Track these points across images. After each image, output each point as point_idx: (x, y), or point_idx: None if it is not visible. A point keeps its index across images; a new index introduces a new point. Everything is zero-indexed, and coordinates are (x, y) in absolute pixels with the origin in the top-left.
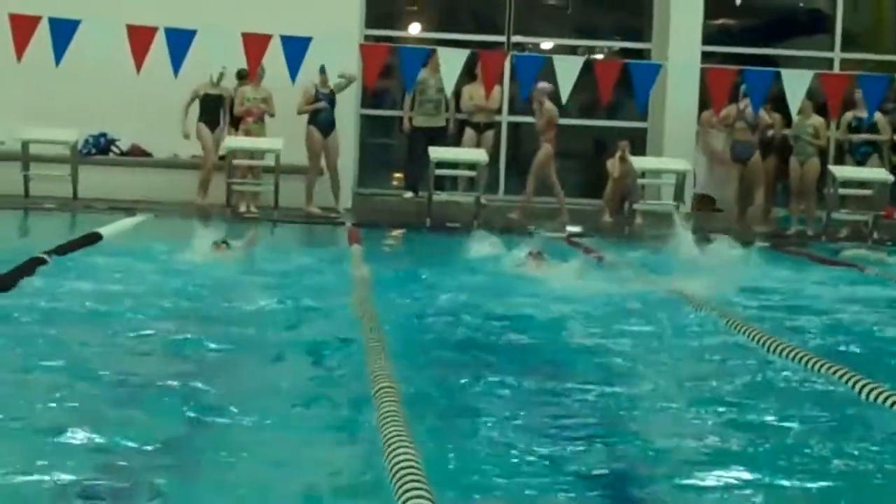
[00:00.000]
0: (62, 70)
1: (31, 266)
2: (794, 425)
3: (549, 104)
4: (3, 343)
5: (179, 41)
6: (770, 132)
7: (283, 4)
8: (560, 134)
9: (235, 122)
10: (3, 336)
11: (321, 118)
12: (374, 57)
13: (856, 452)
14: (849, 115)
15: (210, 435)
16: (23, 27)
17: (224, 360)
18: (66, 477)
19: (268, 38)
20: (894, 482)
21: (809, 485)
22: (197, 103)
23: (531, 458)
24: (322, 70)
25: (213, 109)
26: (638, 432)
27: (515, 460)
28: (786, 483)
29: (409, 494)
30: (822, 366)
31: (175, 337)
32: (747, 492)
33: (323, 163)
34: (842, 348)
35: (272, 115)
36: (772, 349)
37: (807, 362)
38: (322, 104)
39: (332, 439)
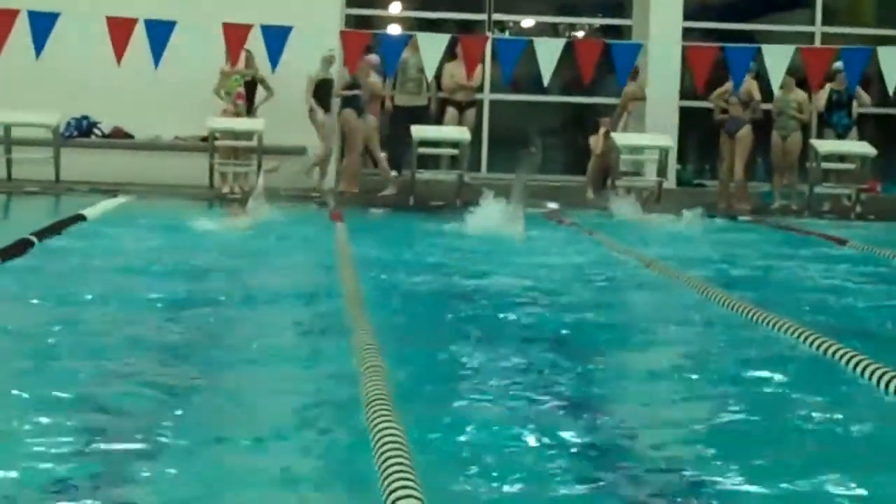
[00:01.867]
0: (44, 55)
1: (17, 248)
2: (776, 391)
3: (373, 77)
4: None
5: (159, 33)
6: (755, 108)
7: None
8: (544, 111)
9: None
10: None
11: (357, 102)
12: (354, 43)
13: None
14: (828, 88)
15: (193, 406)
16: (2, 21)
17: (204, 339)
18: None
19: (248, 27)
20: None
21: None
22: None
23: (516, 432)
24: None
25: (326, 94)
26: (621, 405)
27: (499, 432)
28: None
29: (394, 477)
30: (800, 333)
31: (158, 317)
32: (735, 465)
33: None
34: (831, 321)
35: (266, 87)
36: (755, 319)
37: (791, 331)
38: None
39: (316, 413)
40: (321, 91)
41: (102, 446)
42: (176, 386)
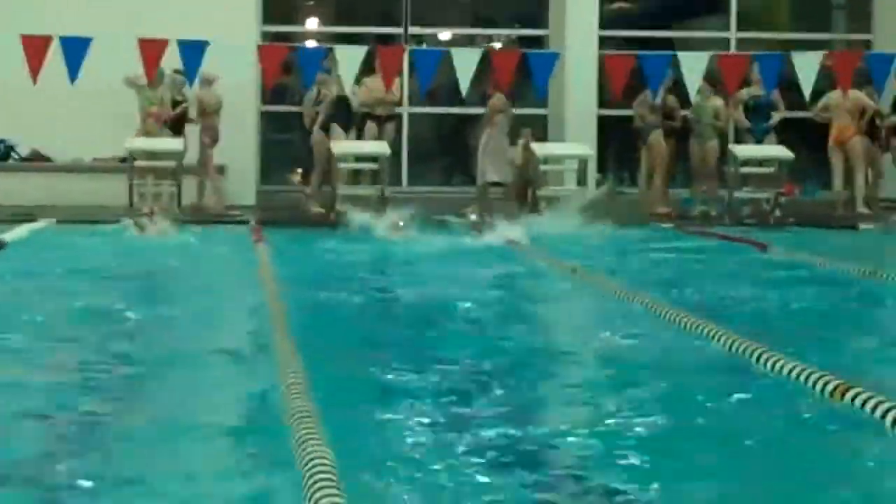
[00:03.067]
0: None
1: None
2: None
3: (205, 91)
4: None
5: (75, 49)
6: (675, 116)
7: (178, 8)
8: (463, 123)
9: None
10: None
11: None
12: (271, 58)
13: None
14: (744, 92)
15: (114, 438)
16: None
17: (127, 360)
18: None
19: (164, 42)
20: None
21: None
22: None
23: (441, 446)
24: (328, 72)
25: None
26: (548, 414)
27: (425, 448)
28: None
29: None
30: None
31: (79, 342)
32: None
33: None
34: (749, 323)
35: (167, 119)
36: (674, 321)
37: (715, 336)
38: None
39: (241, 437)
40: (340, 109)
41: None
42: (96, 412)
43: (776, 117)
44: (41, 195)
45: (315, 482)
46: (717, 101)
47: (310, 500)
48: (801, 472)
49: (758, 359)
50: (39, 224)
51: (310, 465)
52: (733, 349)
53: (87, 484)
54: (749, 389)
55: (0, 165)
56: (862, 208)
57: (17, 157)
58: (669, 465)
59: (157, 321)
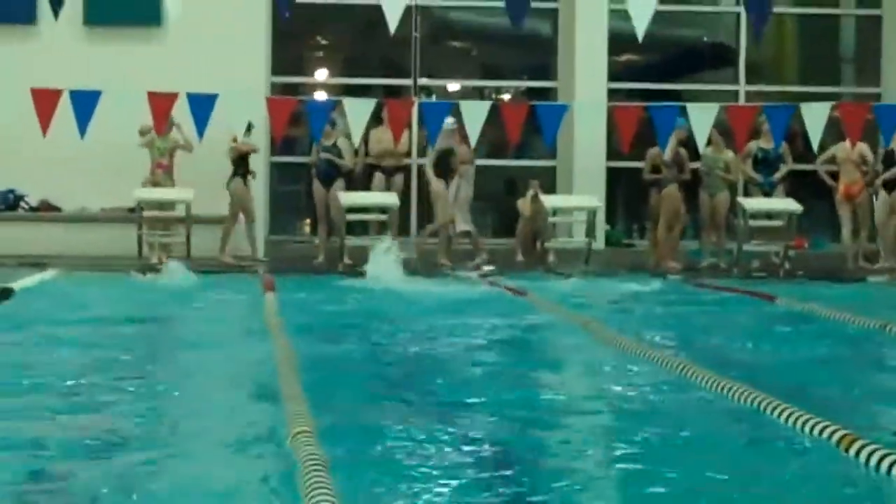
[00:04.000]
0: None
1: None
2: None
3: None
4: None
5: (85, 102)
6: (685, 169)
7: (188, 61)
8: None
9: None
10: None
11: (321, 170)
12: (280, 110)
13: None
14: (752, 145)
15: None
16: None
17: (134, 408)
18: None
19: (174, 96)
20: None
21: None
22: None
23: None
24: (332, 124)
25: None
26: (554, 462)
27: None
28: None
29: None
30: (729, 389)
31: (93, 390)
32: None
33: None
34: (759, 375)
35: (191, 150)
36: (685, 374)
37: (722, 388)
38: (322, 156)
39: (252, 488)
40: (442, 162)
41: None
42: (104, 466)
43: (784, 170)
44: (50, 244)
45: None
46: (728, 154)
47: None
48: None
49: (769, 410)
50: (48, 273)
51: None
52: (741, 400)
53: None
54: (760, 441)
55: (9, 215)
56: (864, 263)
57: (26, 206)
58: None
59: (165, 371)
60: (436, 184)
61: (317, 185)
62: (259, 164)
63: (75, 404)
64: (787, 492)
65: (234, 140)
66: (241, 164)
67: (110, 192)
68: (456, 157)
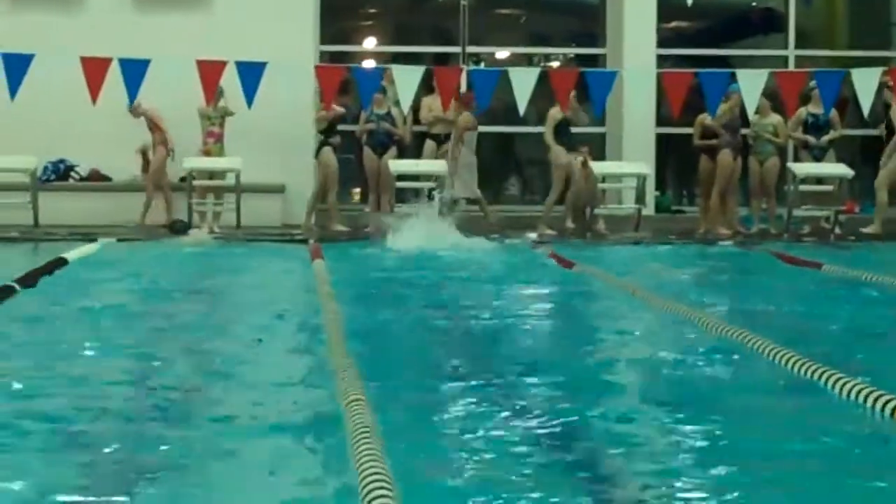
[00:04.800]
0: (19, 98)
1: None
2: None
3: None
4: None
5: (134, 71)
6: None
7: (236, 31)
8: (522, 143)
9: None
10: None
11: (375, 139)
12: (329, 78)
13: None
14: (802, 111)
15: (182, 451)
16: None
17: (189, 377)
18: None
19: (223, 64)
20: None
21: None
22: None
23: (501, 473)
24: (381, 90)
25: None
26: (606, 429)
27: (486, 474)
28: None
29: None
30: (783, 357)
31: (147, 361)
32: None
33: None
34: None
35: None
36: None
37: (773, 355)
38: (372, 125)
39: (304, 456)
40: (563, 130)
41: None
42: (158, 428)
43: (834, 135)
44: (100, 214)
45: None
46: (775, 118)
47: None
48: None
49: (817, 376)
50: (100, 243)
51: (368, 482)
52: (790, 367)
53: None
54: (809, 408)
55: (60, 185)
56: None
57: (76, 176)
58: (736, 482)
59: (217, 337)
60: (558, 152)
61: (368, 154)
62: (308, 134)
63: (131, 371)
64: (837, 459)
65: (325, 109)
66: (329, 132)
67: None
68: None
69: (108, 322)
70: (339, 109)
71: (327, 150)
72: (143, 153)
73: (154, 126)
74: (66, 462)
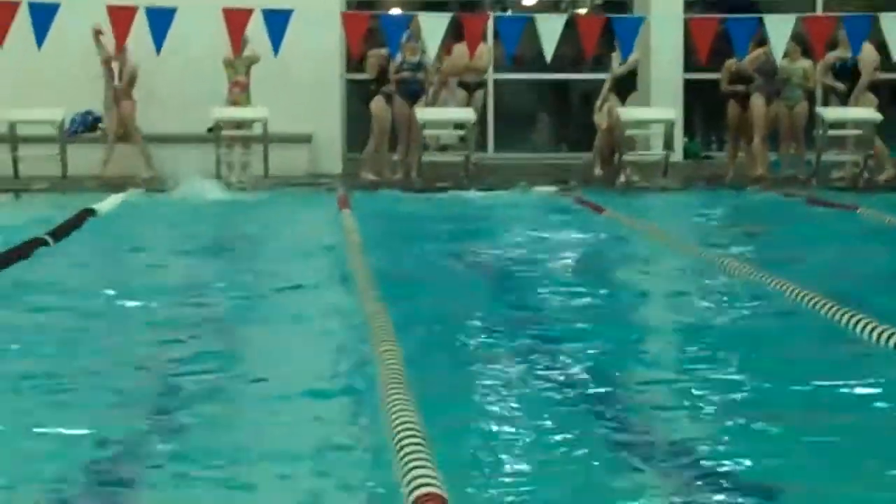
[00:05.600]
0: (45, 51)
1: (31, 246)
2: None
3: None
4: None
5: (160, 19)
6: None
7: None
8: (548, 89)
9: None
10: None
11: (408, 88)
12: (355, 25)
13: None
14: (830, 56)
15: (213, 395)
16: (2, 13)
17: (224, 327)
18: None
19: (248, 12)
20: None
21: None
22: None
23: (535, 423)
24: (409, 38)
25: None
26: (638, 390)
27: (518, 421)
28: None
29: (411, 463)
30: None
31: (175, 311)
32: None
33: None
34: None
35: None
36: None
37: (801, 298)
38: (406, 73)
39: (336, 404)
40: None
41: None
42: (190, 379)
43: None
44: (128, 165)
45: (406, 454)
46: (805, 63)
47: (403, 468)
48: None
49: (846, 322)
50: (128, 194)
51: (401, 436)
52: (823, 312)
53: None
54: (842, 355)
55: (88, 137)
56: None
57: (103, 128)
58: (765, 432)
59: (249, 287)
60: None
61: (399, 102)
62: (334, 81)
63: (158, 327)
64: (870, 409)
65: (381, 54)
66: (383, 78)
67: (187, 111)
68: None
69: (139, 274)
70: (385, 52)
71: (380, 99)
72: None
73: (130, 78)
74: (108, 416)
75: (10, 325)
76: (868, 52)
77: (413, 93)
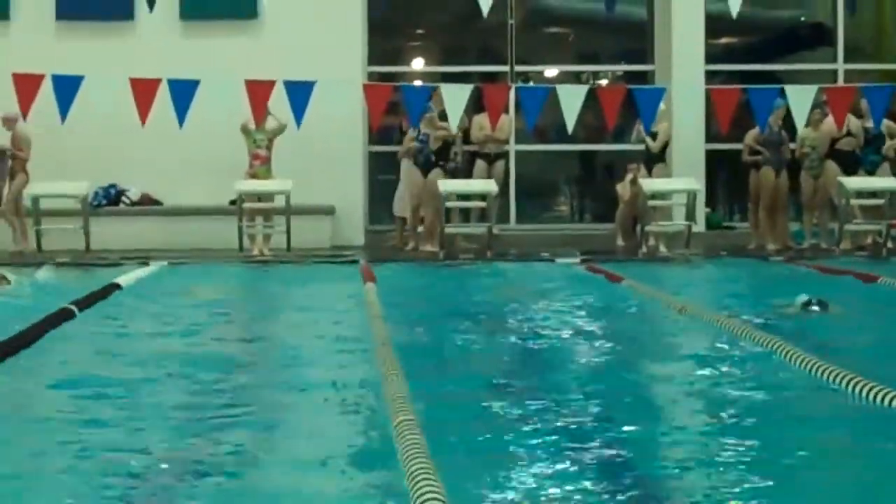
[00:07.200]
0: (69, 125)
1: (58, 317)
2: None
3: (19, 127)
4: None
5: (183, 92)
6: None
7: (284, 50)
8: (570, 160)
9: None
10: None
11: (420, 159)
12: (377, 97)
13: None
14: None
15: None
16: (27, 86)
17: (248, 397)
18: None
19: (271, 84)
20: None
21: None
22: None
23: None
24: (428, 110)
25: None
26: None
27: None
28: None
29: None
30: (828, 372)
31: (192, 381)
32: None
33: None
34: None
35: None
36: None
37: (817, 370)
38: (417, 145)
39: (355, 473)
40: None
41: None
42: (212, 456)
43: (887, 148)
44: (152, 238)
45: None
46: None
47: None
48: None
49: (870, 396)
50: (152, 267)
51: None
52: (844, 385)
53: None
54: (858, 421)
55: (112, 210)
56: None
57: (127, 201)
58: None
59: (272, 357)
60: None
61: (416, 173)
62: (357, 153)
63: (185, 401)
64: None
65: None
66: (443, 152)
67: (210, 184)
68: None
69: (163, 344)
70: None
71: (437, 173)
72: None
73: (21, 148)
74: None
75: None
76: (827, 124)
77: (426, 163)
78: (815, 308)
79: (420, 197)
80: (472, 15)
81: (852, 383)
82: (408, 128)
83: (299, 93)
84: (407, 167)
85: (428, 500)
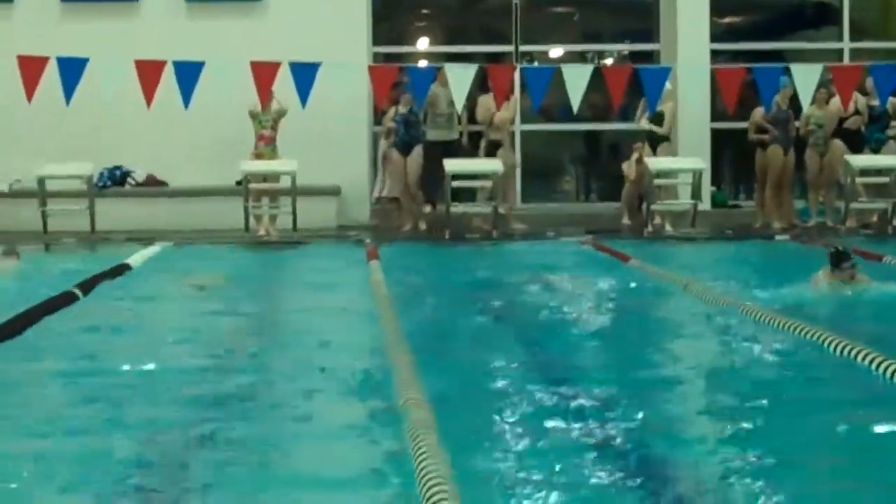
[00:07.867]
0: (74, 106)
1: (62, 300)
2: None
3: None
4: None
5: (188, 74)
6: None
7: (289, 31)
8: (576, 139)
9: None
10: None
11: (398, 139)
12: (382, 78)
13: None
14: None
15: (240, 445)
16: (32, 68)
17: (254, 378)
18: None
19: (276, 66)
20: None
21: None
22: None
23: (559, 471)
24: (405, 90)
25: None
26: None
27: (542, 467)
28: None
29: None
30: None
31: (203, 363)
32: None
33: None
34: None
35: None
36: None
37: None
38: (391, 125)
39: (363, 458)
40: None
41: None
42: (217, 429)
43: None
44: (157, 219)
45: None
46: (833, 109)
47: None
48: None
49: (875, 366)
50: (158, 247)
51: (427, 483)
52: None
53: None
54: (863, 392)
55: (117, 191)
56: None
57: (133, 182)
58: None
59: (278, 336)
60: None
61: (394, 153)
62: (362, 132)
63: (189, 382)
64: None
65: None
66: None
67: (215, 165)
68: None
69: (169, 324)
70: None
71: (418, 152)
72: None
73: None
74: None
75: None
76: (834, 104)
77: (404, 143)
78: (849, 265)
79: (399, 175)
80: None
81: (877, 362)
82: (389, 108)
83: (304, 74)
84: (385, 148)
85: (434, 489)
